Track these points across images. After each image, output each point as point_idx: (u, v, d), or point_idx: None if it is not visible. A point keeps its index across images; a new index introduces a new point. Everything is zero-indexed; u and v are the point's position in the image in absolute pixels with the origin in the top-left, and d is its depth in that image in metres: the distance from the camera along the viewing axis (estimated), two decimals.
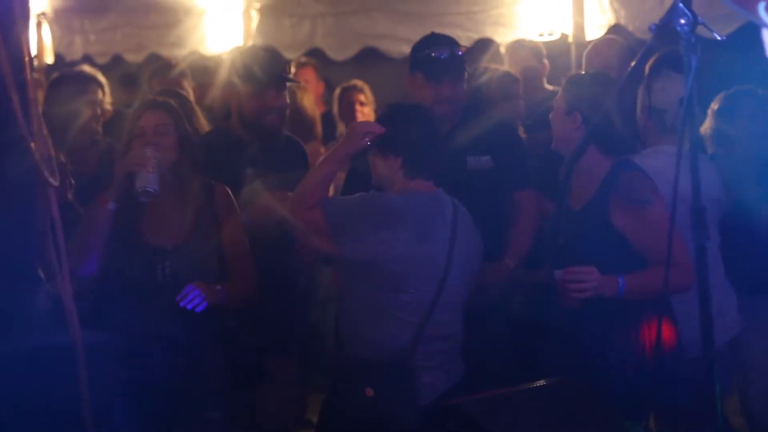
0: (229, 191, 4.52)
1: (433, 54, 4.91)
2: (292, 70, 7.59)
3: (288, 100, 5.16)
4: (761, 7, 2.90)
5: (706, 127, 5.24)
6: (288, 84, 5.19)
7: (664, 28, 2.98)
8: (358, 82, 7.78)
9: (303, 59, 8.49)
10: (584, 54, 6.27)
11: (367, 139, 4.24)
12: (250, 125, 5.00)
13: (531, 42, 7.12)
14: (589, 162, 4.24)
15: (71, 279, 3.06)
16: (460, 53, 4.98)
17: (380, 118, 4.45)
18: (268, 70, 5.01)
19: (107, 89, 6.69)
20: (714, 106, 5.25)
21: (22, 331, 3.06)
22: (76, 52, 9.64)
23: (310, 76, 8.41)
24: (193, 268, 4.29)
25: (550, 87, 6.73)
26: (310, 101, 7.16)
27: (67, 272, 3.01)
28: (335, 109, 7.84)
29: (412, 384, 4.13)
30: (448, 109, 4.93)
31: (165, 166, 4.23)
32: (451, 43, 4.99)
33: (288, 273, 5.13)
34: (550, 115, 4.46)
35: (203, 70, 8.15)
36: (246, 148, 4.95)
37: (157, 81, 7.44)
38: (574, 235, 4.27)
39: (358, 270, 4.17)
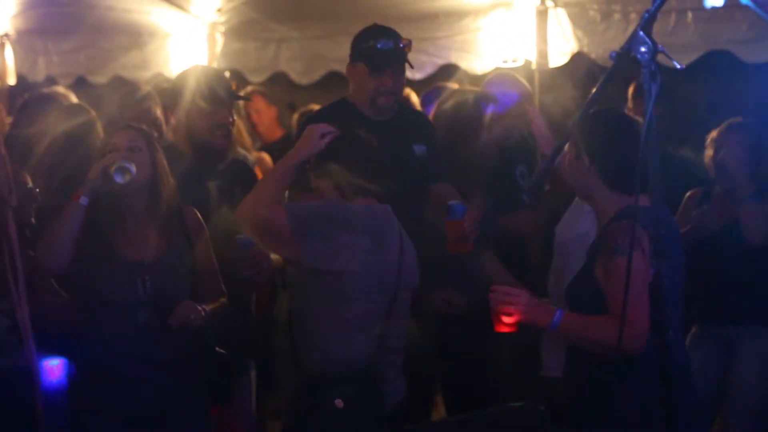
0: (198, 214, 4.52)
1: (377, 45, 4.98)
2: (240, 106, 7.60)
3: (234, 120, 5.13)
4: None
5: (707, 156, 5.35)
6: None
7: (625, 56, 2.99)
8: (316, 106, 7.78)
9: (248, 88, 8.50)
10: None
11: (323, 141, 4.24)
12: (197, 143, 4.97)
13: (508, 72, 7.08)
14: (599, 204, 4.04)
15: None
16: (402, 45, 5.03)
17: (284, 146, 4.49)
18: (218, 89, 4.99)
19: None
20: (713, 134, 5.33)
21: None
22: (39, 74, 9.57)
23: (259, 104, 8.46)
24: (172, 283, 4.29)
25: None
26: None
27: (24, 293, 2.99)
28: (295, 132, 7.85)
29: (379, 396, 4.16)
30: (390, 100, 5.05)
31: (139, 180, 4.23)
32: (395, 35, 5.05)
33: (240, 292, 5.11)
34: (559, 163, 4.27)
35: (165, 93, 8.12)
36: (190, 166, 4.88)
37: (128, 109, 7.34)
38: (573, 286, 4.11)
39: (317, 279, 4.14)
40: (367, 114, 5.08)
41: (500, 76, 6.21)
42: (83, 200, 4.15)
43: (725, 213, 5.27)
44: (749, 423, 5.32)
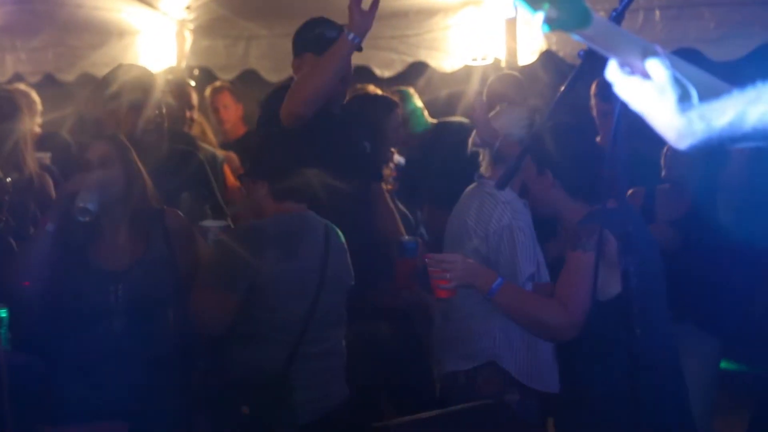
0: (181, 215, 4.50)
1: (324, 34, 5.01)
2: (207, 94, 7.57)
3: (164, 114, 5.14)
4: None
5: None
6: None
7: (593, 55, 3.00)
8: None
9: (217, 84, 8.49)
10: (484, 93, 6.36)
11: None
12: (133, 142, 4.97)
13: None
14: (564, 216, 4.14)
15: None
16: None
17: (244, 144, 4.53)
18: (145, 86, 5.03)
19: (38, 108, 6.60)
20: None
21: None
22: (7, 71, 9.52)
23: (227, 100, 8.43)
24: (148, 290, 4.26)
25: None
26: None
27: None
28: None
29: (289, 402, 4.15)
30: (342, 87, 5.06)
31: (111, 193, 4.21)
32: (338, 25, 5.05)
33: None
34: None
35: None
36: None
37: (92, 104, 7.31)
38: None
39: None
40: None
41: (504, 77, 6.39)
42: (50, 227, 4.17)
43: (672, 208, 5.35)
44: None
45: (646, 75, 2.25)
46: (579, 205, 4.03)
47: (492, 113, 5.02)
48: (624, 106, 2.39)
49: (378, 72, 7.84)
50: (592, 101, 6.17)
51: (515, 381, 4.59)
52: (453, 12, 7.49)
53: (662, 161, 5.47)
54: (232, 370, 4.22)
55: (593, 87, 6.14)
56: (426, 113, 6.84)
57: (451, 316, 4.81)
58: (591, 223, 3.87)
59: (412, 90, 6.99)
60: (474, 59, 7.40)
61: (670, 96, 2.18)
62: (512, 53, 7.25)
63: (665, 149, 5.42)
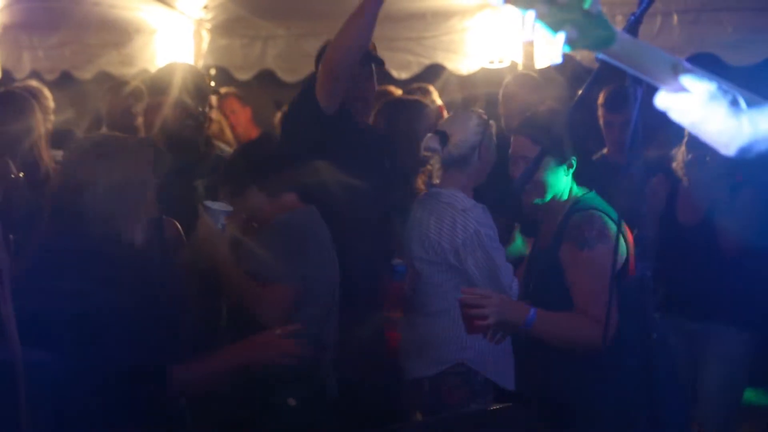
0: (178, 226, 4.49)
1: None
2: (214, 101, 7.58)
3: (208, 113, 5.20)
4: None
5: (681, 150, 5.39)
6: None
7: None
8: None
9: (222, 90, 8.50)
10: (500, 94, 6.36)
11: None
12: (171, 136, 5.00)
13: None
14: (552, 201, 4.19)
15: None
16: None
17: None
18: (191, 83, 5.05)
19: (51, 105, 6.61)
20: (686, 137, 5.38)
21: None
22: (24, 69, 9.54)
23: (234, 105, 8.48)
24: None
25: None
26: None
27: (9, 288, 2.97)
28: (278, 131, 7.86)
29: (323, 392, 4.34)
30: (361, 106, 5.05)
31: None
32: None
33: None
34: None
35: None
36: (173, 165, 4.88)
37: (108, 101, 7.35)
38: (538, 277, 4.21)
39: None
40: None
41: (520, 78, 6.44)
42: None
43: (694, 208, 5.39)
44: (720, 425, 5.37)
45: (678, 89, 2.28)
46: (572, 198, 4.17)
47: (444, 118, 5.06)
48: (638, 116, 2.41)
49: (395, 74, 7.83)
50: (599, 111, 6.15)
51: (483, 386, 4.60)
52: (470, 14, 7.48)
53: (676, 166, 5.46)
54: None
55: (600, 97, 6.12)
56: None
57: (415, 321, 4.81)
58: (586, 210, 3.93)
59: (432, 87, 7.00)
60: (491, 62, 7.39)
61: (722, 103, 2.26)
62: (529, 56, 7.23)
63: (679, 157, 5.42)
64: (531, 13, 2.07)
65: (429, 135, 4.87)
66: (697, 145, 5.31)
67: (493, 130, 4.92)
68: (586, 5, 2.11)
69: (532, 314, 3.82)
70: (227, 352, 3.72)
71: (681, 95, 2.29)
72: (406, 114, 5.56)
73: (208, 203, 4.45)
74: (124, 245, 3.51)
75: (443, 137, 4.79)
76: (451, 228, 4.66)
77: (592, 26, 2.11)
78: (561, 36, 2.07)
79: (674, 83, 2.29)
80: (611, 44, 2.18)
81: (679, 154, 5.43)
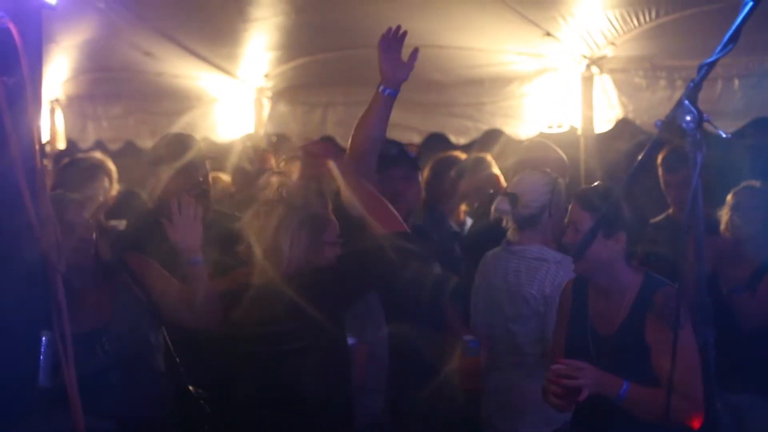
0: (143, 257, 4.55)
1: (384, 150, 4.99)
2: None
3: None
4: None
5: (725, 212, 5.48)
6: None
7: (670, 125, 2.99)
8: None
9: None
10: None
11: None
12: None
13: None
14: (620, 280, 4.15)
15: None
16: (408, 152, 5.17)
17: None
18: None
19: (115, 176, 6.72)
20: (728, 197, 5.36)
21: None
22: (89, 138, 9.71)
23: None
24: (132, 336, 4.34)
25: None
26: None
27: (72, 358, 3.00)
28: None
29: None
30: (400, 209, 4.93)
31: (86, 258, 4.31)
32: (398, 143, 5.22)
33: None
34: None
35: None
36: None
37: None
38: (611, 361, 4.07)
39: None
40: None
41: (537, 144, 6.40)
42: None
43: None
44: None
45: None
46: (632, 269, 4.16)
47: (514, 179, 5.11)
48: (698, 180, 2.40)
49: (453, 139, 7.86)
50: (659, 171, 6.14)
51: None
52: (529, 80, 7.49)
53: (724, 219, 5.45)
54: None
55: (659, 158, 6.11)
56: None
57: (511, 378, 4.83)
58: (666, 288, 3.89)
59: (489, 157, 7.01)
60: (549, 126, 7.38)
61: None
62: (588, 121, 7.21)
63: (724, 218, 5.40)
64: None
65: (499, 197, 5.06)
66: (743, 206, 5.31)
67: (563, 187, 4.99)
68: None
69: (625, 387, 3.82)
70: None
71: None
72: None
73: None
74: None
75: (513, 199, 4.99)
76: (543, 278, 4.87)
77: None
78: None
79: None
80: None
81: (725, 215, 5.43)
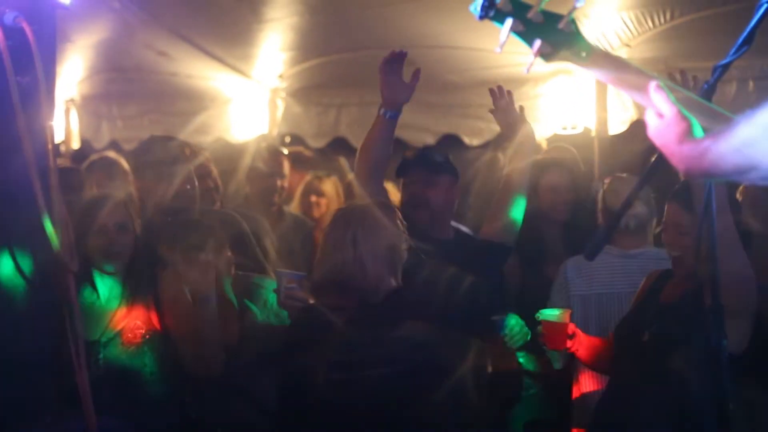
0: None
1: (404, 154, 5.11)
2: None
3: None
4: None
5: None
6: None
7: None
8: None
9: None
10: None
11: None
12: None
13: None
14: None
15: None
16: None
17: None
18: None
19: (129, 176, 6.74)
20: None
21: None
22: (103, 138, 9.72)
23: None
24: (126, 354, 4.32)
25: None
26: None
27: (84, 360, 3.01)
28: None
29: None
30: (422, 215, 4.92)
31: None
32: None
33: None
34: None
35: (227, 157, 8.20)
36: None
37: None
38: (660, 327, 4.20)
39: None
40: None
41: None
42: None
43: None
44: None
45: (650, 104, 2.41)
46: None
47: (607, 185, 5.33)
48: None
49: (467, 140, 7.85)
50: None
51: None
52: (543, 81, 7.48)
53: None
54: None
55: None
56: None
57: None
58: None
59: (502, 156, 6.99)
60: (564, 128, 7.38)
61: (678, 128, 2.34)
62: (602, 122, 7.21)
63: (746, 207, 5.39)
64: (508, 23, 2.39)
65: (635, 202, 5.22)
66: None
67: None
68: (560, 25, 2.32)
69: None
70: None
71: (650, 113, 2.41)
72: None
73: (282, 270, 4.46)
74: None
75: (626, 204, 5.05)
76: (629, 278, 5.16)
77: (566, 42, 2.31)
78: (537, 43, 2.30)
79: (648, 97, 2.40)
80: (586, 59, 2.37)
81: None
